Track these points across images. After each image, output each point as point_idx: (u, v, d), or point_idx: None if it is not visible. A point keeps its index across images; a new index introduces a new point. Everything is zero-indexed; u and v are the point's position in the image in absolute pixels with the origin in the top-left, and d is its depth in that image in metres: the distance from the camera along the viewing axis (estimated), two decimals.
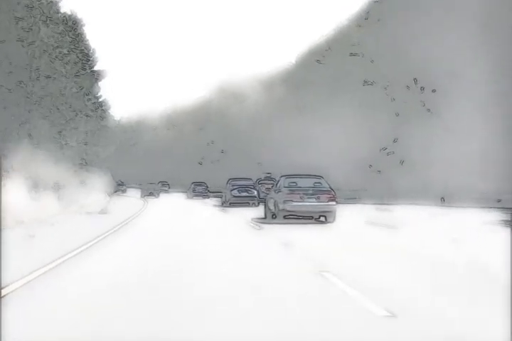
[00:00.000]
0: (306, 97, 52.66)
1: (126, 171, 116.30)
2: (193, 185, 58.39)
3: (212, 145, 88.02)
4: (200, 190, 57.17)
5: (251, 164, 70.62)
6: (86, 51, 33.62)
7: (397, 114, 47.82)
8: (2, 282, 7.74)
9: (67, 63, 29.82)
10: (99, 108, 58.44)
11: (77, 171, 32.62)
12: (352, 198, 44.07)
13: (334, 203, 21.64)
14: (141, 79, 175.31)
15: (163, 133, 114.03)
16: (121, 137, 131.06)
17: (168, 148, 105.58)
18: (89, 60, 33.27)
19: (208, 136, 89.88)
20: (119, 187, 76.07)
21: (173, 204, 45.70)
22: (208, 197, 55.72)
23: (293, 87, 55.72)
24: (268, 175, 54.12)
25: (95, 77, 34.56)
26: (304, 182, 22.33)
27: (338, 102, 49.62)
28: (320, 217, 22.15)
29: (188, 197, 57.07)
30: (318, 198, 21.35)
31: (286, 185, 22.27)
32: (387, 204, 36.56)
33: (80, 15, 33.38)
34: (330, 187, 22.16)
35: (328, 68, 49.90)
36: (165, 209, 35.71)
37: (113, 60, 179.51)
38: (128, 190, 77.83)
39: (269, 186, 39.56)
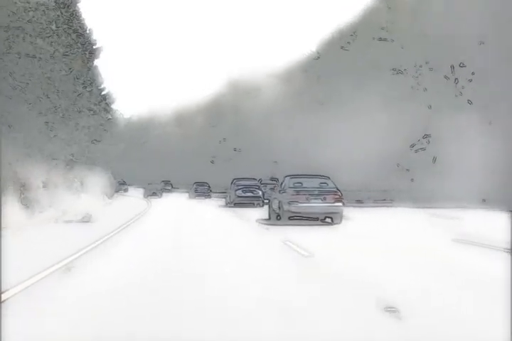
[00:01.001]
0: (329, 89, 47.92)
1: (135, 170, 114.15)
2: (195, 185, 58.60)
3: (224, 143, 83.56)
4: (202, 190, 57.55)
5: (265, 163, 66.76)
6: (81, 31, 29.14)
7: (430, 107, 43.12)
8: None
9: (55, 42, 25.32)
10: (103, 101, 54.21)
11: (69, 169, 28.15)
12: (382, 200, 39.48)
13: (341, 204, 21.15)
14: (151, 75, 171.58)
15: (173, 131, 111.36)
16: (130, 135, 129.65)
17: (179, 146, 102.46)
18: (84, 40, 28.74)
19: (220, 134, 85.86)
20: (121, 186, 74.84)
21: (177, 205, 42.41)
22: (210, 197, 55.85)
23: (313, 78, 50.90)
24: (273, 180, 53.06)
25: (87, 56, 29.91)
26: (309, 183, 21.88)
27: (364, 94, 44.98)
28: (326, 218, 21.55)
29: (190, 197, 56.73)
30: (324, 199, 20.89)
31: (291, 186, 21.76)
32: (430, 207, 31.81)
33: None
34: (336, 188, 21.54)
35: (354, 56, 45.14)
36: (167, 214, 30.54)
37: (123, 57, 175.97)
38: (136, 189, 75.47)
39: (272, 186, 39.79)
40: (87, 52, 29.59)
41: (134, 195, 66.41)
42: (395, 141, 45.18)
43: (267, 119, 67.86)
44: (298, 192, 21.19)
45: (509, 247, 13.11)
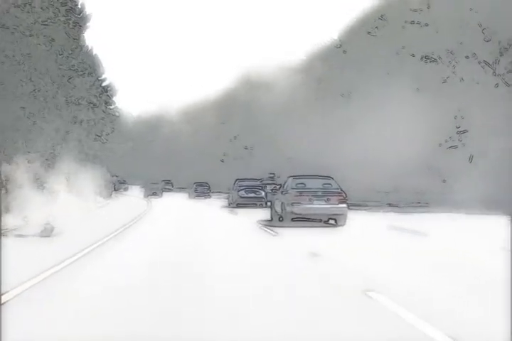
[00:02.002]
0: (352, 81, 43.19)
1: (142, 169, 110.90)
2: (194, 185, 59.59)
3: (235, 141, 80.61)
4: (201, 190, 58.63)
5: (279, 162, 62.79)
6: None
7: (466, 99, 38.41)
8: None
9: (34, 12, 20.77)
10: (104, 93, 49.97)
11: (49, 165, 23.60)
12: (416, 203, 34.86)
13: (345, 205, 20.74)
14: (161, 72, 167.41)
15: (182, 129, 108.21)
16: (138, 134, 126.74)
17: (188, 144, 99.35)
18: (69, 7, 24.08)
19: (230, 131, 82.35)
20: (121, 185, 75.31)
21: (178, 206, 39.24)
22: (210, 197, 56.73)
23: (336, 68, 46.09)
24: (271, 175, 53.52)
25: (70, 26, 25.23)
26: (312, 183, 21.46)
27: (392, 85, 40.35)
28: (329, 220, 21.21)
29: (190, 197, 57.67)
30: (328, 200, 20.53)
31: (294, 186, 21.37)
32: (482, 213, 26.96)
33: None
34: (340, 189, 21.15)
35: (381, 42, 40.43)
36: (165, 224, 24.18)
37: (132, 54, 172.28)
38: (141, 188, 71.92)
39: (273, 187, 39.60)
40: (70, 21, 24.90)
41: (134, 195, 64.04)
42: (425, 137, 40.57)
43: (281, 115, 63.87)
44: (301, 193, 20.76)
45: None
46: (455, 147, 41.74)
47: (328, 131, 46.82)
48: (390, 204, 35.48)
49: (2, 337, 5.61)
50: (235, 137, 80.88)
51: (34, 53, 21.55)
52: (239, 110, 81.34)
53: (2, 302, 7.16)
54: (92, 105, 47.62)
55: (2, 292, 7.47)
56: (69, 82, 29.66)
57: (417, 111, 40.86)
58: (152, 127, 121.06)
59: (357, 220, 22.64)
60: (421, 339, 6.04)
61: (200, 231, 19.87)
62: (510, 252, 11.84)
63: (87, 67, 46.99)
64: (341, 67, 44.84)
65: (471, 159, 39.15)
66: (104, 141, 50.15)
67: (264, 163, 68.96)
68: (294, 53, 57.03)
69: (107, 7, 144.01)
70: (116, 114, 59.15)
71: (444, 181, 41.59)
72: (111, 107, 48.59)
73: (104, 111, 49.63)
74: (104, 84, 49.60)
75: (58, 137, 41.53)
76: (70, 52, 27.84)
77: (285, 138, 62.04)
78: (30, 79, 24.12)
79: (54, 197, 23.25)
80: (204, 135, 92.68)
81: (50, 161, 25.67)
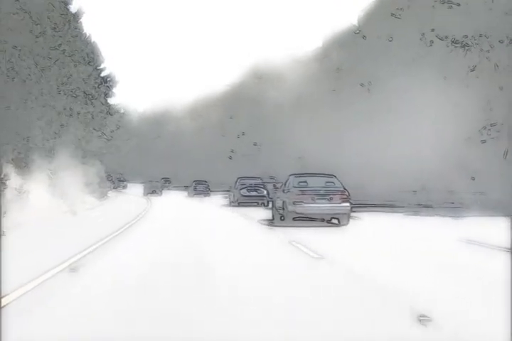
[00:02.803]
0: (373, 68, 39.41)
1: (146, 166, 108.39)
2: (194, 184, 60.20)
3: (243, 137, 77.38)
4: (201, 188, 59.14)
5: (289, 159, 59.75)
6: None
7: (502, 88, 34.75)
8: None
9: None
10: (103, 84, 46.43)
11: (21, 160, 19.92)
12: (450, 203, 31.24)
13: (348, 204, 20.24)
14: (166, 67, 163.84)
15: (188, 125, 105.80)
16: (143, 130, 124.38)
17: (194, 140, 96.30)
18: None
19: (238, 127, 79.22)
20: (120, 183, 75.04)
21: (177, 210, 35.27)
22: (209, 196, 57.15)
23: (354, 56, 42.29)
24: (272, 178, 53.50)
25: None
26: (314, 182, 21.04)
27: (418, 73, 36.71)
28: (332, 219, 20.90)
29: (189, 196, 58.25)
30: (331, 199, 20.10)
31: (296, 185, 20.94)
32: None
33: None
34: (343, 187, 20.67)
35: (406, 24, 36.68)
36: (164, 230, 19.83)
37: (138, 49, 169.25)
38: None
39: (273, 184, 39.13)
40: None
41: (134, 193, 62.15)
42: (455, 131, 36.98)
43: (293, 109, 60.60)
44: (303, 192, 20.25)
45: None
46: (483, 142, 38.11)
47: (345, 125, 43.15)
48: (419, 205, 31.81)
49: None
50: (243, 133, 77.87)
51: (16, 29, 17.86)
52: (247, 105, 78.39)
53: None
54: (90, 97, 44.23)
55: None
56: (56, 65, 25.94)
57: (445, 101, 37.28)
58: (157, 123, 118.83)
59: (414, 229, 18.43)
60: None
61: (200, 242, 16.07)
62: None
63: (85, 55, 43.58)
64: (360, 54, 41.05)
65: (505, 154, 35.45)
66: (109, 138, 47.16)
67: (273, 160, 66.28)
68: (308, 42, 53.25)
69: (114, 1, 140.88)
70: (122, 110, 56.44)
71: (473, 179, 37.93)
72: (109, 100, 45.04)
73: (103, 104, 46.13)
74: (103, 74, 46.05)
75: (51, 130, 38.12)
76: (56, 29, 24.04)
77: (296, 134, 58.94)
78: (10, 60, 20.49)
79: (23, 198, 19.32)
80: (210, 131, 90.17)
81: (23, 155, 21.88)
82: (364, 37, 40.58)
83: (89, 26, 43.41)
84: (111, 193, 49.41)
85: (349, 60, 42.99)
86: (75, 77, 41.82)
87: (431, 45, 36.30)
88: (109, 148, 50.33)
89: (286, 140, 63.19)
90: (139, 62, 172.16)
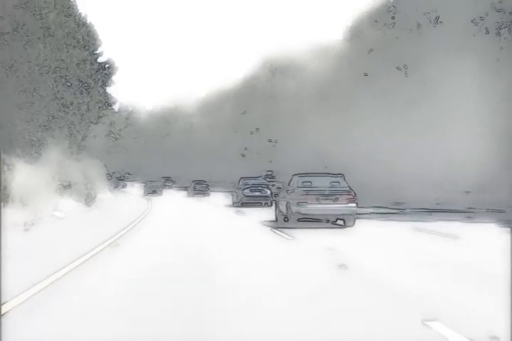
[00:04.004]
0: (412, 52, 34.10)
1: (157, 165, 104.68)
2: (193, 183, 61.67)
3: (257, 134, 75.10)
4: (200, 188, 60.34)
5: (306, 156, 55.56)
6: None
7: None
8: None
9: None
10: (100, 71, 41.28)
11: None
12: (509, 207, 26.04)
13: (354, 205, 19.60)
14: (175, 62, 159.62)
15: (199, 122, 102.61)
16: (152, 128, 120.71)
17: (204, 138, 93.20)
18: None
19: (252, 122, 76.10)
20: (119, 182, 75.29)
21: (178, 212, 31.90)
22: (209, 195, 58.15)
23: (386, 38, 36.92)
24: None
25: None
26: (319, 182, 20.60)
27: (462, 56, 31.50)
28: (337, 220, 20.48)
29: (189, 195, 59.42)
30: (337, 199, 19.59)
31: (300, 185, 20.49)
32: None
33: None
34: (349, 187, 20.07)
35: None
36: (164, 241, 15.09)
37: (147, 44, 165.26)
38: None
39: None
40: None
41: (134, 193, 61.44)
42: (505, 124, 31.82)
43: (312, 102, 55.99)
44: (307, 193, 19.90)
45: None
46: None
47: (378, 117, 37.78)
48: (470, 208, 26.46)
49: None
50: (257, 129, 75.11)
51: None
52: (260, 100, 75.31)
53: None
54: (85, 85, 39.26)
55: None
56: (41, 44, 20.87)
57: (494, 89, 32.02)
58: (166, 121, 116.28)
59: None
60: None
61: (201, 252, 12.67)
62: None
63: (80, 38, 38.69)
64: (395, 34, 35.74)
65: None
66: (117, 136, 43.14)
67: (289, 157, 62.04)
68: (329, 29, 48.16)
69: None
70: (130, 108, 52.53)
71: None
72: (108, 89, 40.20)
73: (100, 93, 41.01)
74: (100, 59, 40.87)
75: (38, 122, 33.24)
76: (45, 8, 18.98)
77: (316, 129, 54.55)
78: None
79: None
80: (222, 127, 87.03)
81: None
82: (394, 14, 34.80)
83: (97, 25, 38.74)
84: (108, 194, 44.47)
85: (382, 40, 37.56)
86: (68, 62, 36.94)
87: (481, 24, 30.88)
88: (117, 147, 46.09)
89: (304, 136, 59.13)
90: (146, 58, 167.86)
